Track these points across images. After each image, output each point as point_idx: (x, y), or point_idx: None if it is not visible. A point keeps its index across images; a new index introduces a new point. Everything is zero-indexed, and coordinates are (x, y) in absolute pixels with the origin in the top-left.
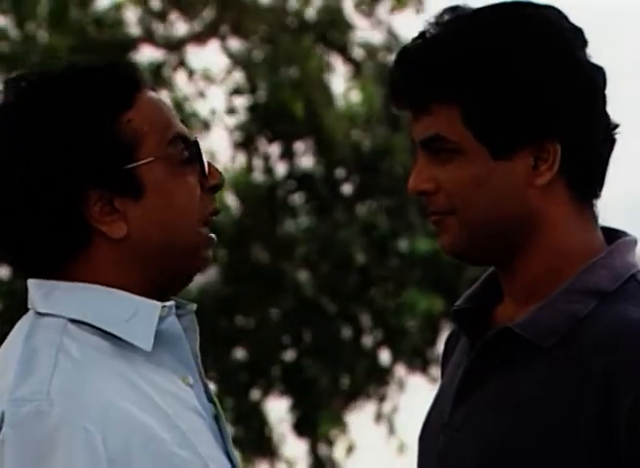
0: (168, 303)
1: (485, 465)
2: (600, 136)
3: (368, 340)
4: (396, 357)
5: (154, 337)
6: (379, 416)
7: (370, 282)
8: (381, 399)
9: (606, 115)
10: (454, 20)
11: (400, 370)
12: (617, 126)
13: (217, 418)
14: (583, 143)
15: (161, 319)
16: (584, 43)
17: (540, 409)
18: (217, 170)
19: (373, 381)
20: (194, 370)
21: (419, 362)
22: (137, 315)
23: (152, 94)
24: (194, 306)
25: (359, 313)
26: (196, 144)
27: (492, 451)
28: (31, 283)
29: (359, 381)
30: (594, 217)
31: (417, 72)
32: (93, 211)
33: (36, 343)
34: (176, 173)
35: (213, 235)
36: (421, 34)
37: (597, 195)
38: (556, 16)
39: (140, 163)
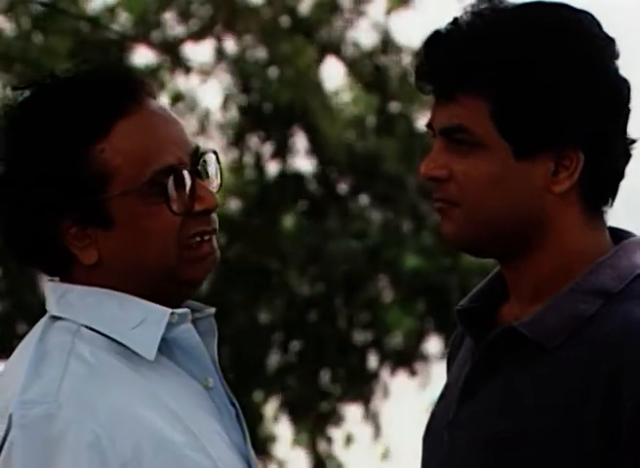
0: (179, 310)
1: (489, 464)
2: (619, 151)
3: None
4: (383, 360)
5: (171, 342)
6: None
7: (355, 292)
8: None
9: (626, 130)
10: (490, 13)
11: (385, 375)
12: (634, 141)
13: (237, 419)
14: (604, 156)
15: (171, 325)
16: (615, 54)
17: (545, 408)
18: (209, 193)
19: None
20: (213, 372)
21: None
22: (144, 322)
23: (143, 116)
24: (212, 310)
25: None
26: (185, 172)
27: (496, 450)
28: (47, 285)
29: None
30: (603, 221)
31: (450, 59)
32: (68, 234)
33: (48, 345)
34: (148, 204)
35: (206, 248)
36: (455, 21)
37: (609, 205)
38: (591, 23)
39: (107, 196)
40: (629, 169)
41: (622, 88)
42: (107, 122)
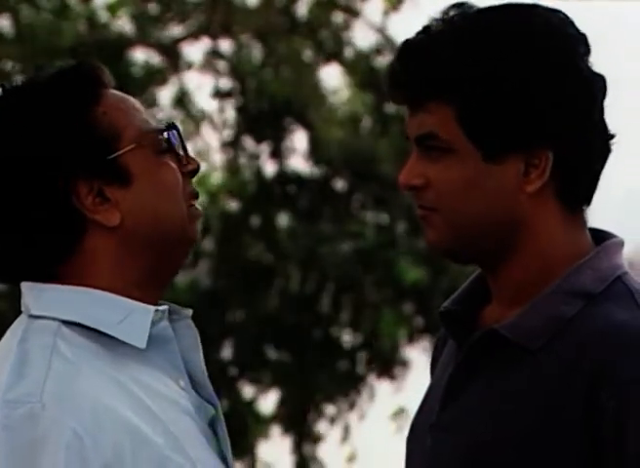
0: (161, 307)
1: (472, 466)
2: (594, 148)
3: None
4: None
5: (152, 339)
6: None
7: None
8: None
9: (603, 125)
10: (459, 19)
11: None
12: (612, 136)
13: (213, 421)
14: (576, 154)
15: (154, 323)
16: (587, 50)
17: (526, 410)
18: (192, 157)
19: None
20: (184, 373)
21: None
22: (129, 317)
23: (117, 92)
24: (190, 312)
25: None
26: (174, 131)
27: (478, 454)
28: (24, 286)
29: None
30: (583, 222)
31: (417, 68)
32: (86, 203)
33: (30, 346)
34: (158, 158)
35: (199, 208)
36: (425, 29)
37: (587, 203)
38: (561, 21)
39: (123, 151)
40: (627, 171)
41: (594, 85)
42: (97, 89)
